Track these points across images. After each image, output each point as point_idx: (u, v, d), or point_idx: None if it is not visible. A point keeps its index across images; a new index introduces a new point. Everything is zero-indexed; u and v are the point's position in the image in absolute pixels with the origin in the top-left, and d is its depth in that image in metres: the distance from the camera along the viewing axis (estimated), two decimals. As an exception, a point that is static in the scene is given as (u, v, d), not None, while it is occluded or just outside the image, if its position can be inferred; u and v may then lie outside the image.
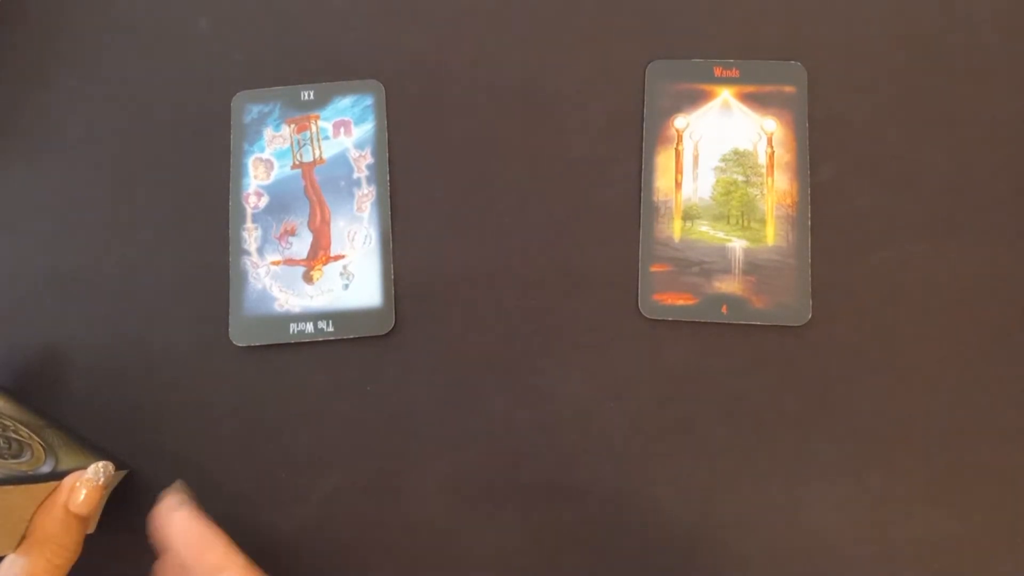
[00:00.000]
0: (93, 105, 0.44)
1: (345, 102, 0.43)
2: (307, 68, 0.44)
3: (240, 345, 0.42)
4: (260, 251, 0.42)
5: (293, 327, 0.41)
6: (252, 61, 0.44)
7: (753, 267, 0.41)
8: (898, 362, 0.41)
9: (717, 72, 0.43)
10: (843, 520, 0.40)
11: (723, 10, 0.44)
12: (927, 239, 0.41)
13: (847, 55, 0.43)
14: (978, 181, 0.42)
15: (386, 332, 0.41)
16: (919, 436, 0.40)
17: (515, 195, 0.43)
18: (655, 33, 0.44)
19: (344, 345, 0.42)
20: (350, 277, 0.42)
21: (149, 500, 0.40)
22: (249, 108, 0.43)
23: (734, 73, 0.43)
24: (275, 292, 0.42)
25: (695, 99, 0.43)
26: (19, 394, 0.41)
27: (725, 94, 0.43)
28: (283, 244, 0.42)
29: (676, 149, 0.43)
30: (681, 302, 0.41)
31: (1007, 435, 0.40)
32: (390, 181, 0.42)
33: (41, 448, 0.37)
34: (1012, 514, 0.40)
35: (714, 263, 0.41)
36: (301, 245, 0.42)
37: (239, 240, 0.42)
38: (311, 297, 0.41)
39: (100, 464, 0.36)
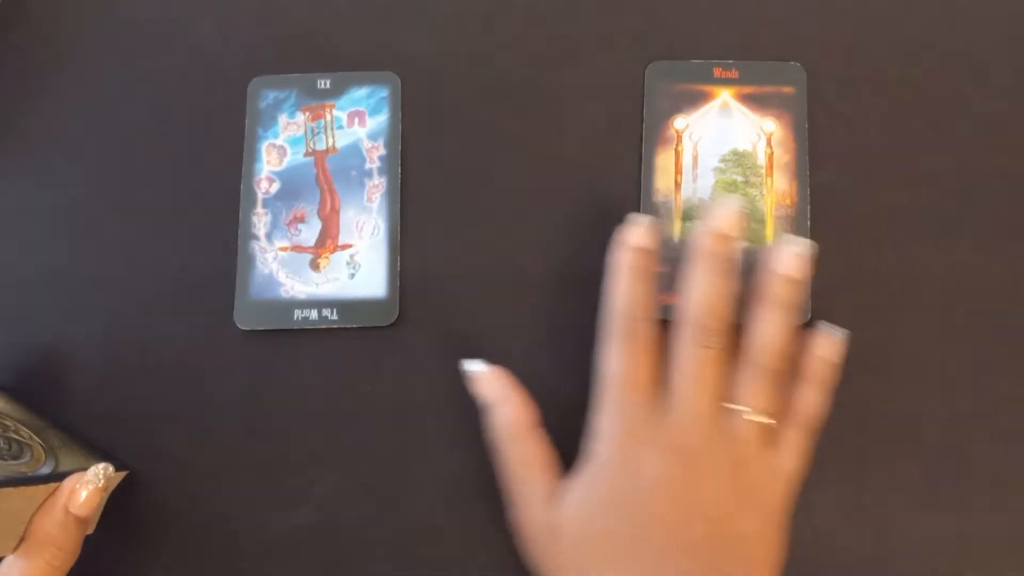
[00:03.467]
0: (93, 103, 0.44)
1: (361, 92, 0.44)
2: (323, 59, 0.44)
3: (244, 328, 0.41)
4: (269, 236, 0.42)
5: (297, 313, 0.41)
6: (266, 51, 0.45)
7: (753, 268, 0.41)
8: (898, 362, 0.41)
9: (716, 73, 0.44)
10: (843, 520, 0.39)
11: (722, 11, 0.45)
12: (926, 239, 0.42)
13: (846, 56, 0.44)
14: (978, 181, 0.43)
15: (389, 323, 0.41)
16: (919, 436, 0.40)
17: (522, 193, 0.43)
18: (657, 34, 0.45)
19: (347, 334, 0.41)
20: (357, 267, 0.42)
21: (149, 500, 0.40)
22: (265, 94, 0.44)
23: (733, 74, 0.44)
24: (281, 278, 0.42)
25: (694, 100, 0.44)
26: (19, 394, 0.40)
27: (724, 95, 0.44)
28: (292, 231, 0.42)
29: (675, 150, 0.43)
30: (681, 302, 0.42)
31: (1007, 435, 0.40)
32: (401, 173, 0.43)
33: (41, 449, 0.37)
34: (1012, 514, 0.39)
35: None
36: (310, 232, 0.42)
37: (248, 224, 0.42)
38: (317, 285, 0.41)
39: (100, 466, 0.36)
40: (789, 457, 0.37)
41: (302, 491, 0.40)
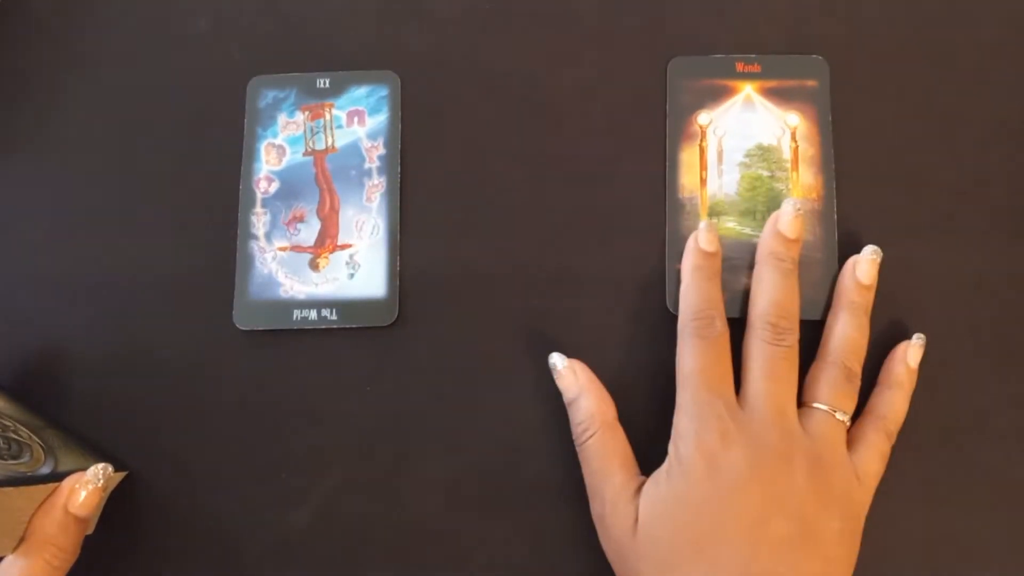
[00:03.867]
0: (93, 103, 0.45)
1: (360, 92, 0.43)
2: (322, 58, 0.44)
3: (243, 328, 0.41)
4: (268, 236, 0.42)
5: (297, 313, 0.41)
6: (265, 50, 0.45)
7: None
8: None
9: (739, 67, 0.42)
10: None
11: (742, 5, 0.43)
12: (932, 237, 0.41)
13: (869, 48, 0.42)
14: (991, 178, 0.41)
15: (389, 324, 0.41)
16: (919, 436, 0.39)
17: (527, 193, 0.42)
18: (675, 29, 0.43)
19: (346, 334, 0.41)
20: (356, 267, 0.41)
21: (149, 500, 0.41)
22: (264, 93, 0.44)
23: (756, 68, 0.42)
24: (281, 278, 0.42)
25: (717, 95, 0.42)
26: (19, 393, 0.41)
27: (748, 89, 0.42)
28: (291, 230, 0.42)
29: (700, 145, 0.42)
30: (710, 298, 0.40)
31: (1007, 435, 0.39)
32: (401, 173, 0.42)
33: (41, 449, 0.37)
34: (1012, 514, 0.39)
35: (741, 259, 0.40)
36: (309, 232, 0.42)
37: (248, 224, 0.42)
38: (316, 285, 0.41)
39: (100, 466, 0.36)
40: (870, 459, 0.37)
41: (302, 491, 0.40)
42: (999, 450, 0.39)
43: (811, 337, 0.39)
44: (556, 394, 0.39)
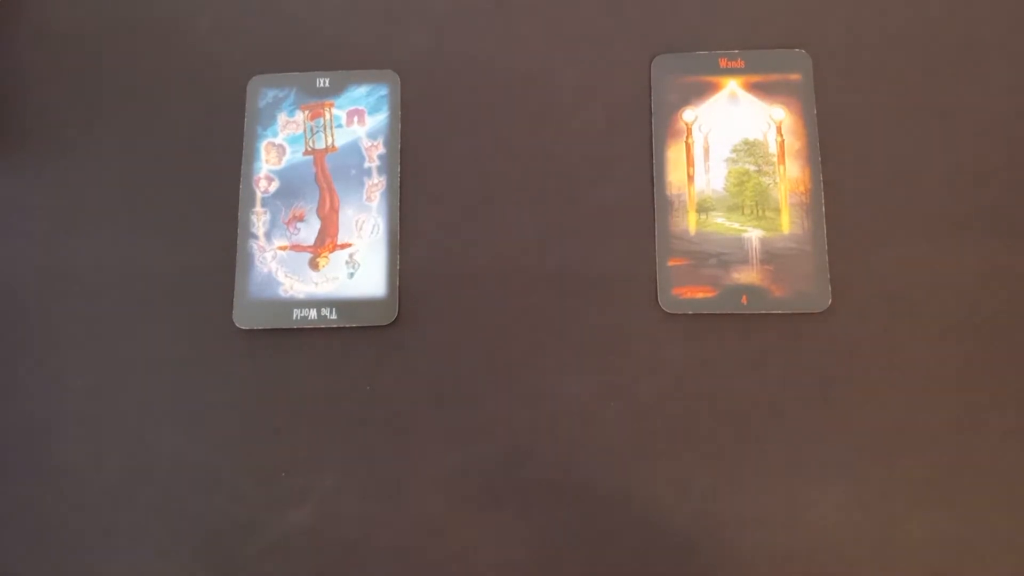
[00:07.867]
0: (93, 102, 0.45)
1: (360, 91, 0.44)
2: (322, 57, 0.45)
3: (243, 328, 0.41)
4: (268, 235, 0.42)
5: (296, 313, 0.41)
6: (265, 49, 0.46)
7: (770, 256, 0.41)
8: (900, 360, 0.40)
9: (722, 63, 0.43)
10: (843, 520, 0.39)
11: (724, 1, 0.44)
12: (926, 238, 0.41)
13: (850, 41, 0.43)
14: (978, 169, 0.41)
15: (389, 323, 0.41)
16: (919, 436, 0.39)
17: (526, 191, 0.43)
18: (658, 27, 0.44)
19: (346, 333, 0.41)
20: (356, 266, 0.42)
21: (149, 500, 0.40)
22: (264, 92, 0.44)
23: (739, 64, 0.43)
24: (280, 277, 0.42)
25: (702, 91, 0.43)
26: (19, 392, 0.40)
27: (732, 85, 0.43)
28: (291, 229, 0.42)
29: (686, 142, 0.43)
30: (700, 295, 0.41)
31: (1007, 435, 0.39)
32: (400, 172, 0.43)
33: None
34: (1012, 514, 0.39)
35: (731, 254, 0.41)
36: (309, 231, 0.42)
37: (247, 223, 0.43)
38: (316, 284, 0.41)
39: None
40: None
41: (302, 491, 0.40)
42: (999, 450, 0.39)
43: (813, 331, 0.40)
44: (555, 394, 0.40)
